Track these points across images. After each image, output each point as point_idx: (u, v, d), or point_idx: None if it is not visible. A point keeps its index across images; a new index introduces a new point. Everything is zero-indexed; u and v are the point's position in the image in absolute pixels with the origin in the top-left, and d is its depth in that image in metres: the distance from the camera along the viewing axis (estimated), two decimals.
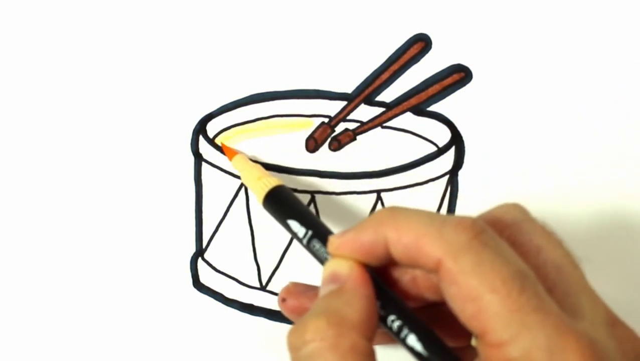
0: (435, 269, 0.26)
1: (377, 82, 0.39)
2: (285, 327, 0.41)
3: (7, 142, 0.40)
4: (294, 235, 0.32)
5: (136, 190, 0.40)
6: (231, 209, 0.40)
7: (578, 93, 0.38)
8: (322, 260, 0.31)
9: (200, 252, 0.41)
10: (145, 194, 0.40)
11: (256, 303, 0.41)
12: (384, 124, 0.40)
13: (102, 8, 0.38)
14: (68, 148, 0.40)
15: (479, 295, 0.24)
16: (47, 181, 0.41)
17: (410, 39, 0.38)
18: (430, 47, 0.38)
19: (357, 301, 0.26)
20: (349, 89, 0.39)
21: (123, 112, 0.40)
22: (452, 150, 0.39)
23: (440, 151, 0.39)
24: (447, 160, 0.39)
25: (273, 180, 0.35)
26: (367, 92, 0.39)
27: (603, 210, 0.40)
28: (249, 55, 0.38)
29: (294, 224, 0.32)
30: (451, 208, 0.40)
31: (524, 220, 0.28)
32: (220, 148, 0.39)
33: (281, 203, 0.34)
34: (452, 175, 0.39)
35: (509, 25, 0.37)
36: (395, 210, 0.27)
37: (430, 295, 0.28)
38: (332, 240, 0.29)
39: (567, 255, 0.27)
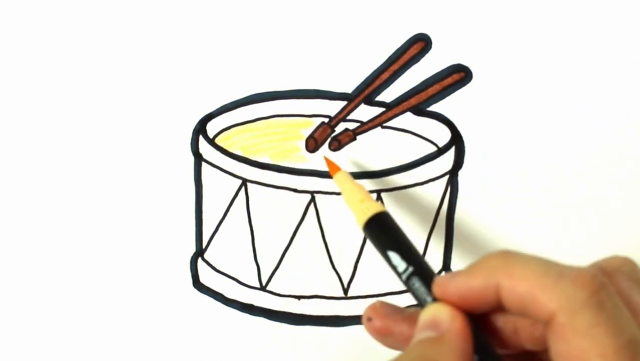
0: (547, 321, 0.25)
1: (377, 82, 0.39)
2: (285, 327, 0.41)
3: (7, 142, 0.40)
4: (393, 268, 0.31)
5: (136, 190, 0.40)
6: (231, 209, 0.40)
7: (578, 93, 0.38)
8: (421, 301, 0.29)
9: (200, 252, 0.41)
10: (146, 194, 0.40)
11: (256, 303, 0.41)
12: (384, 124, 0.40)
13: (102, 8, 0.38)
14: (68, 149, 0.40)
15: (587, 359, 0.24)
16: (48, 181, 0.41)
17: (410, 39, 0.38)
18: (430, 47, 0.38)
19: (455, 354, 0.26)
20: (349, 88, 0.39)
21: (123, 112, 0.40)
22: (452, 150, 0.39)
23: (440, 151, 0.39)
24: (447, 160, 0.39)
25: (376, 205, 0.33)
26: (367, 92, 0.39)
27: (603, 210, 0.40)
28: (249, 55, 0.38)
29: (394, 257, 0.31)
30: (451, 208, 0.40)
31: (636, 280, 0.27)
32: (220, 149, 0.39)
33: (383, 232, 0.32)
34: (452, 175, 0.39)
35: (509, 25, 0.37)
36: (509, 255, 0.27)
37: (530, 345, 0.28)
38: (439, 281, 0.28)
39: None
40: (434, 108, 0.39)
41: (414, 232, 0.40)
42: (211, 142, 0.39)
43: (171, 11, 0.38)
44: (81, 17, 0.39)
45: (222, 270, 0.41)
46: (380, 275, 0.40)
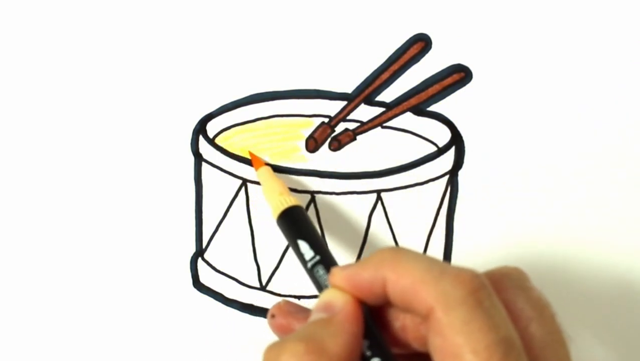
0: (426, 316, 0.26)
1: (377, 82, 0.39)
2: None
3: (7, 142, 0.40)
4: (300, 256, 0.33)
5: (136, 190, 0.41)
6: (231, 209, 0.40)
7: (578, 93, 0.38)
8: (321, 287, 0.31)
9: (200, 252, 0.41)
10: (146, 194, 0.40)
11: (256, 303, 0.41)
12: (384, 124, 0.40)
13: (102, 8, 0.38)
14: (68, 149, 0.40)
15: (460, 353, 0.24)
16: (48, 181, 0.41)
17: (410, 39, 0.38)
18: (430, 47, 0.38)
19: (342, 335, 0.27)
20: (349, 88, 0.39)
21: (123, 112, 0.40)
22: (452, 150, 0.39)
23: (440, 151, 0.39)
24: (447, 160, 0.39)
25: (292, 199, 0.35)
26: (367, 92, 0.39)
27: (603, 210, 0.40)
28: (249, 55, 0.38)
29: (303, 245, 0.33)
30: (451, 208, 0.40)
31: (522, 288, 0.28)
32: (220, 149, 0.39)
33: (295, 223, 0.34)
34: (452, 175, 0.39)
35: (509, 25, 0.37)
36: (398, 251, 0.28)
37: (416, 345, 0.28)
38: (334, 270, 0.29)
39: (557, 331, 0.27)
40: (434, 108, 0.39)
41: (414, 232, 0.40)
42: (211, 142, 0.39)
43: (171, 11, 0.38)
44: (81, 17, 0.39)
45: (222, 270, 0.41)
46: None
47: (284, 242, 0.40)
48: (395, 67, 0.38)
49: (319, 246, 0.32)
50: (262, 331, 0.41)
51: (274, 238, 0.40)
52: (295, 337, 0.26)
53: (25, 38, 0.39)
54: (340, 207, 0.39)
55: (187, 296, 0.42)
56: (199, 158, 0.40)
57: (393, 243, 0.40)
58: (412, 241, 0.40)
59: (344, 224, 0.39)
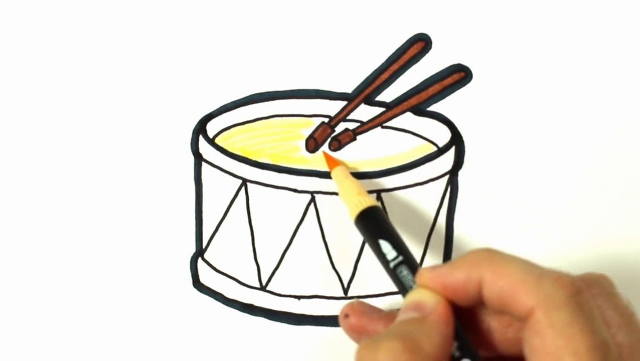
0: (524, 317, 0.26)
1: (377, 82, 0.39)
2: (285, 327, 0.41)
3: (7, 142, 0.40)
4: (381, 257, 0.33)
5: (136, 190, 0.40)
6: (231, 209, 0.40)
7: (578, 93, 0.38)
8: (405, 288, 0.31)
9: (200, 252, 0.41)
10: (146, 194, 0.40)
11: (256, 303, 0.41)
12: (384, 124, 0.40)
13: (102, 8, 0.38)
14: (68, 149, 0.40)
15: (560, 355, 0.24)
16: (48, 181, 0.41)
17: (410, 39, 0.38)
18: (430, 47, 0.38)
19: (437, 335, 0.27)
20: (349, 88, 0.39)
21: (123, 112, 0.40)
22: (452, 150, 0.39)
23: (440, 151, 0.39)
24: (447, 160, 0.39)
25: (370, 200, 0.35)
26: (367, 92, 0.39)
27: (603, 210, 0.40)
28: (249, 55, 0.38)
29: (385, 245, 0.32)
30: (451, 208, 0.40)
31: (610, 294, 0.28)
32: (220, 149, 0.39)
33: (375, 223, 0.34)
34: (452, 175, 0.39)
35: (509, 25, 0.37)
36: (493, 252, 0.28)
37: (501, 347, 0.28)
38: (422, 271, 0.29)
39: None
40: (434, 108, 0.39)
41: (414, 232, 0.40)
42: (211, 142, 0.39)
43: (171, 11, 0.38)
44: (81, 17, 0.39)
45: (222, 270, 0.41)
46: (380, 275, 0.40)
47: (284, 242, 0.40)
48: (395, 67, 0.38)
49: (401, 246, 0.32)
50: (262, 331, 0.41)
51: (274, 238, 0.40)
52: (391, 335, 0.26)
53: (25, 39, 0.39)
54: (341, 207, 0.39)
55: (187, 296, 0.42)
56: (199, 158, 0.40)
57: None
58: (412, 241, 0.40)
59: (344, 224, 0.39)
